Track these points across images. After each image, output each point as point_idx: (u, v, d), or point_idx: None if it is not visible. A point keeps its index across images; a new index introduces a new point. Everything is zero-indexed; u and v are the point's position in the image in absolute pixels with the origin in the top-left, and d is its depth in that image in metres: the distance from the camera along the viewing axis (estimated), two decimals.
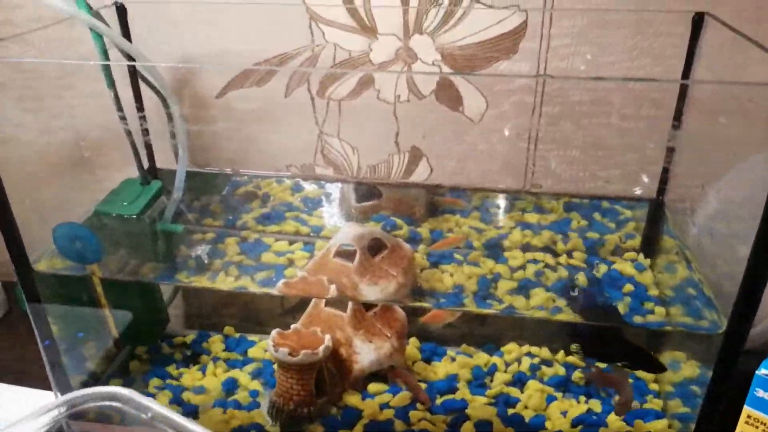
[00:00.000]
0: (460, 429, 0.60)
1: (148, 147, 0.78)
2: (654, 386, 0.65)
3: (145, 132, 0.74)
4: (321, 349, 0.60)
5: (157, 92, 0.74)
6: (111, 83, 0.65)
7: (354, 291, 0.63)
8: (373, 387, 0.64)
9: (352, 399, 0.63)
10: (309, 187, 0.84)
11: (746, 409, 0.49)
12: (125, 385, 0.71)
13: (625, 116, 0.73)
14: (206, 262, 0.70)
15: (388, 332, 0.65)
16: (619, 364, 0.61)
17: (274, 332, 0.63)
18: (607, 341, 0.60)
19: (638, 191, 0.72)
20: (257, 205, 0.81)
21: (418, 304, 0.66)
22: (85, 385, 0.68)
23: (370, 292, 0.63)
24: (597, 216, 0.78)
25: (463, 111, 0.76)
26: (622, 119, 0.73)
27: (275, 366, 0.63)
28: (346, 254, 0.65)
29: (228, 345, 0.75)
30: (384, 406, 0.62)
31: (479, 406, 0.61)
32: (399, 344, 0.65)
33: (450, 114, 0.76)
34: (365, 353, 0.63)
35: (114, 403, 0.45)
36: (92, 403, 0.45)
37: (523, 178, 0.80)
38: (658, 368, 0.58)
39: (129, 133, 0.69)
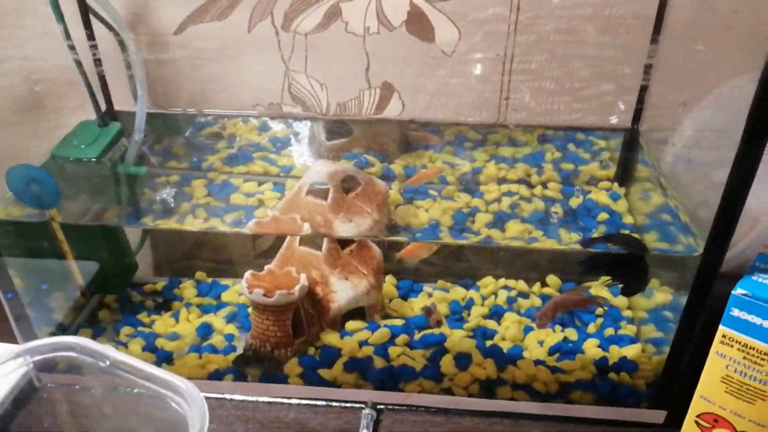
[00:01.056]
0: (439, 362, 0.60)
1: (105, 89, 0.74)
2: (627, 313, 0.66)
3: (99, 67, 0.70)
4: (297, 288, 0.59)
5: (110, 27, 0.69)
6: (59, 17, 0.61)
7: (328, 228, 0.62)
8: (351, 325, 0.63)
9: (330, 338, 0.62)
10: (276, 127, 0.81)
11: (721, 329, 0.50)
12: (95, 334, 0.69)
13: (601, 45, 0.71)
14: (172, 205, 0.67)
15: (365, 270, 0.64)
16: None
17: (247, 274, 0.61)
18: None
19: (614, 120, 0.72)
20: (223, 146, 0.78)
21: (393, 238, 0.65)
22: (53, 336, 0.66)
23: (345, 229, 0.62)
24: (571, 147, 0.77)
25: (435, 42, 0.73)
26: (597, 48, 0.71)
27: (250, 308, 0.62)
28: (318, 192, 0.63)
29: (200, 290, 0.73)
30: (363, 343, 0.61)
31: (457, 340, 0.61)
32: (376, 281, 0.64)
33: (422, 46, 0.73)
34: (342, 291, 0.62)
35: (69, 353, 0.43)
36: (45, 355, 0.43)
37: (497, 112, 0.78)
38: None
39: (83, 72, 0.65)
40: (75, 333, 0.68)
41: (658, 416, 0.58)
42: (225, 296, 0.72)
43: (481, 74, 0.75)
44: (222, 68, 0.77)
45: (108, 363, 0.41)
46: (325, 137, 0.79)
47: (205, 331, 0.67)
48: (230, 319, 0.69)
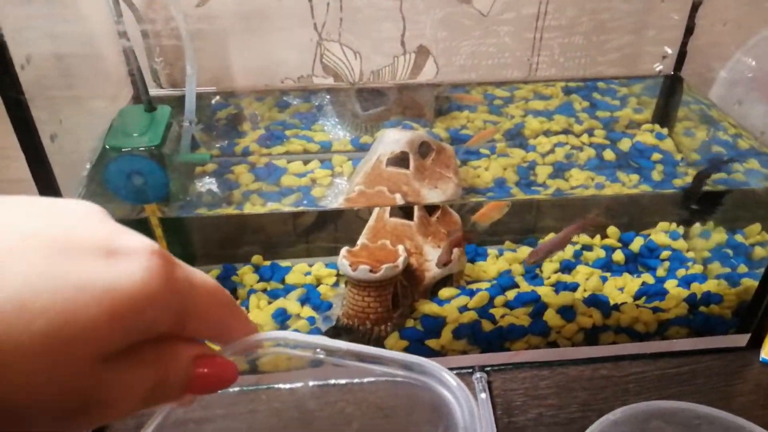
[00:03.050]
0: (543, 317, 0.61)
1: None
2: (690, 254, 0.70)
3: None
4: (400, 261, 0.58)
5: (133, 7, 0.64)
6: None
7: (416, 197, 0.61)
8: (445, 292, 0.62)
9: (427, 307, 0.61)
10: (308, 101, 0.77)
11: None
12: None
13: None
14: (221, 194, 0.64)
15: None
16: None
17: (343, 251, 0.59)
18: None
19: (658, 68, 0.75)
20: (249, 127, 0.75)
21: (476, 199, 0.65)
22: None
23: (432, 195, 0.61)
24: (597, 96, 0.80)
25: (472, 3, 0.72)
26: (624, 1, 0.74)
27: (346, 285, 0.60)
28: (397, 161, 0.62)
29: (262, 275, 0.69)
30: (462, 309, 0.61)
31: (552, 294, 0.63)
32: (462, 247, 0.64)
33: (459, 7, 0.73)
34: (437, 260, 0.61)
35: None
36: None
37: (528, 68, 0.79)
38: None
39: (133, 54, 0.59)
40: None
41: (741, 340, 0.62)
42: (289, 278, 0.69)
43: (515, 33, 0.75)
44: (249, 42, 0.72)
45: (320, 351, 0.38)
46: (361, 108, 0.77)
47: (282, 317, 0.64)
48: (303, 301, 0.66)
